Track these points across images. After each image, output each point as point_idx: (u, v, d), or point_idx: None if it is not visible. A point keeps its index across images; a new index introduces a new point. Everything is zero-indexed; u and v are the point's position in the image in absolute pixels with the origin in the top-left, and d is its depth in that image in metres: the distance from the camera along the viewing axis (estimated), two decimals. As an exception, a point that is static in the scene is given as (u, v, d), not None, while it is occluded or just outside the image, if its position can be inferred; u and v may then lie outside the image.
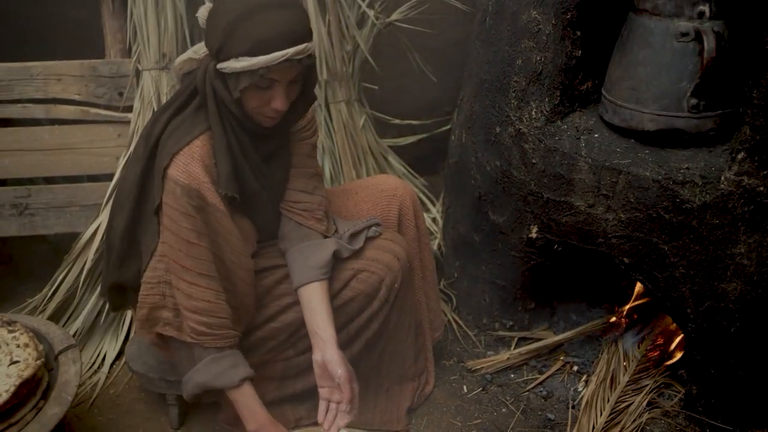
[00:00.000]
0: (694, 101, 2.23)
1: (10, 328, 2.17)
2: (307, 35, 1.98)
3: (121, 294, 2.24)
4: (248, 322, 2.20)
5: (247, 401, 2.11)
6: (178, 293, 2.06)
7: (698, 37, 2.18)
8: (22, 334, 2.15)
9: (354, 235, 2.30)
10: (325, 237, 2.27)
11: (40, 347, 2.15)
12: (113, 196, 2.34)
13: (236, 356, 2.12)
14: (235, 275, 2.12)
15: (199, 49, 2.10)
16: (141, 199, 2.11)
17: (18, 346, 2.11)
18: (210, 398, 2.24)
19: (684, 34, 2.21)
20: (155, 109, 2.68)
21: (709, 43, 2.14)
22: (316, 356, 2.15)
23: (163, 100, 2.76)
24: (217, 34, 1.94)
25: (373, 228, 2.33)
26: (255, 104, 2.02)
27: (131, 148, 2.73)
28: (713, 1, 2.18)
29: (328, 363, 2.12)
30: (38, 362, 2.08)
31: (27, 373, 2.02)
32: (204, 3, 2.07)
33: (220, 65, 1.96)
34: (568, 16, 2.39)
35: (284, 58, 1.92)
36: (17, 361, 2.06)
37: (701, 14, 2.20)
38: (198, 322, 2.05)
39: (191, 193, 2.00)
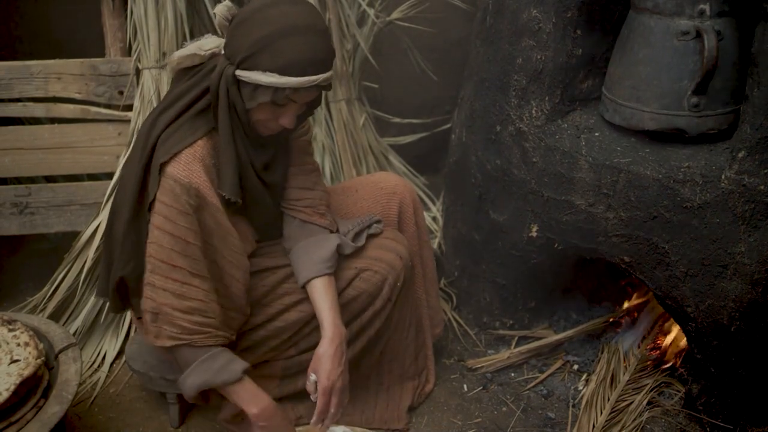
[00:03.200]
0: (694, 100, 2.23)
1: (11, 327, 2.17)
2: (332, 63, 2.01)
3: (123, 294, 2.24)
4: (240, 325, 2.19)
5: (250, 388, 2.10)
6: (166, 294, 2.03)
7: (699, 35, 2.18)
8: (22, 332, 2.15)
9: (356, 234, 2.30)
10: (331, 232, 2.27)
11: (41, 346, 2.15)
12: (113, 195, 2.33)
13: (229, 352, 2.11)
14: (230, 276, 2.11)
15: (205, 46, 2.07)
16: (141, 198, 2.11)
17: (18, 344, 2.11)
18: (215, 400, 2.23)
19: (684, 33, 2.21)
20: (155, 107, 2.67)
21: (709, 41, 2.14)
22: (317, 348, 2.15)
23: (164, 99, 2.76)
24: (246, 43, 1.92)
25: (374, 225, 2.33)
26: (263, 117, 2.03)
27: (131, 147, 2.72)
28: (713, -1, 2.19)
29: (317, 359, 2.13)
30: (38, 361, 2.08)
31: (27, 372, 2.02)
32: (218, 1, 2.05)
33: (240, 73, 1.95)
34: (568, 15, 2.39)
35: (314, 83, 1.94)
36: (17, 360, 2.06)
37: (702, 13, 2.19)
38: (190, 321, 2.03)
39: (191, 191, 1.99)
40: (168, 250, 2.01)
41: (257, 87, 1.95)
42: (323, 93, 2.66)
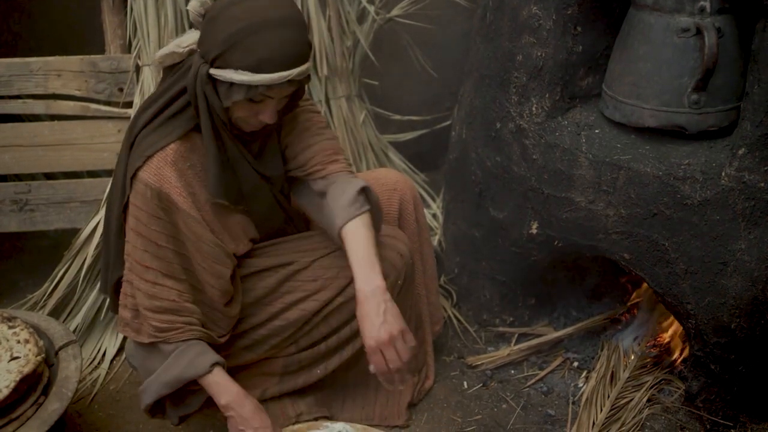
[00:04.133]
0: (694, 97, 2.22)
1: (10, 324, 2.17)
2: (308, 55, 1.96)
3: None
4: (231, 325, 2.18)
5: (219, 381, 2.07)
6: (139, 294, 2.04)
7: (699, 32, 2.18)
8: (22, 329, 2.16)
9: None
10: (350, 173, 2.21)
11: (41, 343, 2.15)
12: (108, 194, 2.33)
13: (202, 345, 2.08)
14: (205, 281, 2.10)
15: (183, 42, 2.05)
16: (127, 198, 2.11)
17: (18, 342, 2.12)
18: (180, 411, 2.21)
19: (685, 30, 2.20)
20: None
21: (709, 38, 2.14)
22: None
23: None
24: (217, 41, 1.90)
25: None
26: (242, 114, 2.01)
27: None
28: (714, -4, 2.19)
29: (359, 324, 2.05)
30: (38, 358, 2.08)
31: (27, 369, 2.03)
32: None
33: (214, 71, 1.93)
34: (568, 12, 2.38)
35: (287, 79, 1.91)
36: (17, 357, 2.07)
37: (702, 10, 2.19)
38: (161, 320, 2.04)
39: (162, 196, 2.00)
40: (141, 251, 2.02)
41: (231, 85, 1.92)
42: (320, 76, 2.65)
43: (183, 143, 2.03)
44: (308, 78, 2.01)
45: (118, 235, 2.11)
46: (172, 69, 2.09)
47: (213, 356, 2.07)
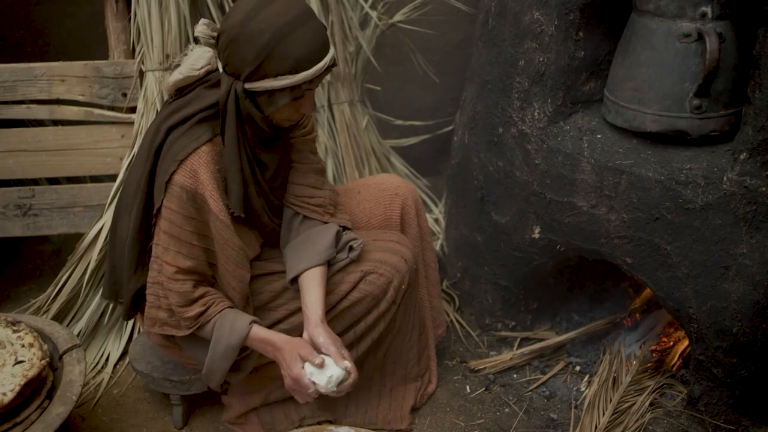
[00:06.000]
0: (696, 102, 2.23)
1: (15, 328, 2.18)
2: (329, 39, 2.03)
3: (138, 301, 2.25)
4: None
5: (262, 336, 2.10)
6: (172, 294, 2.08)
7: (700, 38, 2.19)
8: (26, 333, 2.16)
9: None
10: (345, 229, 2.30)
11: (45, 347, 2.16)
12: (117, 200, 2.35)
13: (232, 311, 2.12)
14: (227, 282, 2.15)
15: (197, 64, 2.09)
16: (148, 203, 2.12)
17: (23, 345, 2.12)
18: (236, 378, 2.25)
19: (686, 35, 2.22)
20: (158, 110, 2.68)
21: (711, 44, 2.15)
22: (304, 335, 2.14)
23: (167, 101, 2.77)
24: (247, 59, 1.93)
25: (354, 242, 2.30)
26: (285, 115, 2.06)
27: (134, 150, 2.73)
28: (715, 2, 2.19)
29: (311, 337, 2.11)
30: (43, 362, 2.09)
31: (32, 373, 2.03)
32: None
33: (250, 85, 1.97)
34: (570, 18, 2.39)
35: (324, 68, 1.98)
36: (22, 361, 2.07)
37: (703, 15, 2.20)
38: (193, 309, 2.09)
39: (197, 197, 2.03)
40: (174, 253, 2.06)
41: (273, 92, 1.97)
42: (323, 84, 2.71)
43: (213, 146, 2.06)
44: (336, 59, 2.10)
45: (133, 242, 2.13)
46: (182, 89, 2.13)
47: (246, 316, 2.11)
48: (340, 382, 2.06)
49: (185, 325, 2.11)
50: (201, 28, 2.04)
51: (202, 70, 2.10)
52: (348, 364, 2.07)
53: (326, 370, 2.05)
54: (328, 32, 2.90)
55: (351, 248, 2.26)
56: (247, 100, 2.00)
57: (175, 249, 2.05)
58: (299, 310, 2.22)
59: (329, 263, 2.23)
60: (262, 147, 2.12)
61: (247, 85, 1.97)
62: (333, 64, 2.03)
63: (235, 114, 2.01)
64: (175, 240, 2.05)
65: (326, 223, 2.26)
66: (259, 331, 2.10)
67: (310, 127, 2.32)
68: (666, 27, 2.25)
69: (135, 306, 2.25)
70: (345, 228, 2.29)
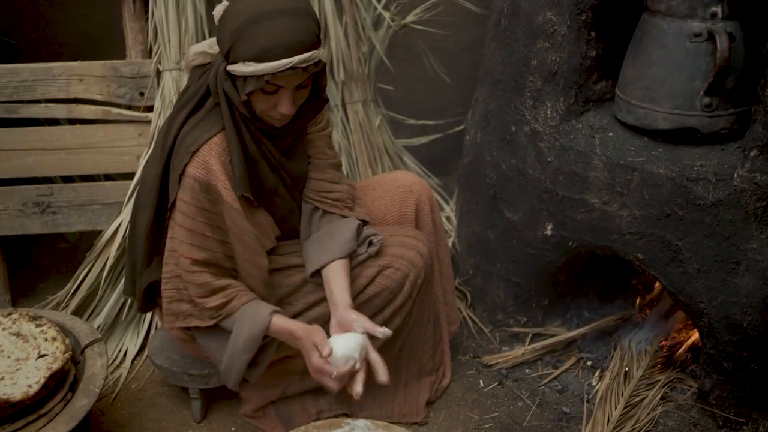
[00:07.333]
0: (707, 100, 2.26)
1: (38, 323, 2.22)
2: (314, 43, 1.98)
3: (150, 295, 2.29)
4: None
5: (283, 325, 2.10)
6: (191, 286, 2.11)
7: (711, 37, 2.22)
8: (49, 328, 2.20)
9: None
10: (364, 223, 2.31)
11: (67, 341, 2.20)
12: (135, 195, 2.38)
13: (254, 302, 2.13)
14: (247, 272, 2.16)
15: (214, 44, 2.11)
16: (162, 198, 2.16)
17: (46, 339, 2.16)
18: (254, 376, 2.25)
19: (697, 35, 2.24)
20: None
21: (721, 43, 2.18)
22: (332, 321, 2.14)
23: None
24: (226, 37, 1.97)
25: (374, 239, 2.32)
26: (262, 107, 2.05)
27: (151, 148, 2.77)
28: (726, 2, 2.22)
29: (341, 318, 2.11)
30: (66, 355, 2.12)
31: (56, 366, 2.07)
32: (221, 2, 2.09)
33: (229, 67, 1.99)
34: (582, 18, 2.43)
35: (288, 66, 1.93)
36: (45, 354, 2.11)
37: (714, 15, 2.23)
38: (215, 300, 2.11)
39: (210, 188, 2.05)
40: (188, 245, 2.08)
41: (245, 78, 1.98)
42: (336, 81, 2.71)
43: (224, 137, 2.08)
44: (318, 65, 2.02)
45: (147, 235, 2.16)
46: (200, 69, 2.16)
47: (267, 306, 2.13)
48: (363, 348, 2.03)
49: (208, 315, 2.13)
50: (218, 8, 2.06)
51: (216, 51, 2.11)
52: (385, 329, 2.06)
53: (347, 339, 2.03)
54: (341, 32, 2.96)
55: (371, 243, 2.28)
56: (227, 82, 2.01)
57: (188, 241, 2.07)
58: (316, 303, 2.26)
59: (349, 257, 2.25)
60: (268, 135, 2.14)
61: (228, 67, 1.99)
62: (306, 69, 1.97)
63: (224, 95, 2.03)
64: (188, 232, 2.07)
65: (346, 217, 2.29)
66: (279, 321, 2.11)
67: (325, 122, 2.34)
68: (677, 27, 2.27)
69: (147, 299, 2.29)
70: (364, 222, 2.32)
